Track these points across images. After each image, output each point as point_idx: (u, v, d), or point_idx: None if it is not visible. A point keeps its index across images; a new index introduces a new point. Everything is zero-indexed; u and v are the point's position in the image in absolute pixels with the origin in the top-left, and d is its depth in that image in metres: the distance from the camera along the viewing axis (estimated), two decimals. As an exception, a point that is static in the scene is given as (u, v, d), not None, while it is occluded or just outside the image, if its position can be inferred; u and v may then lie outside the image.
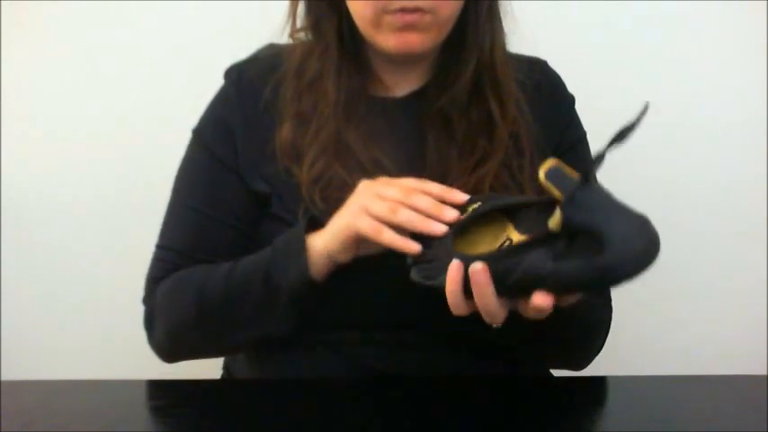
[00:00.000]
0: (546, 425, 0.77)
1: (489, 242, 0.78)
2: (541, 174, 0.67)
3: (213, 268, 0.89)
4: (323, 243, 0.82)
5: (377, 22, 0.85)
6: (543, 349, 0.92)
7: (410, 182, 0.80)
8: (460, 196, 0.79)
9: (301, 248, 0.82)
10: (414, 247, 0.76)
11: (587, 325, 0.92)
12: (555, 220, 0.66)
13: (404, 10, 0.83)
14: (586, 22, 1.36)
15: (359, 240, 0.80)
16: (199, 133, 0.96)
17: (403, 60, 0.91)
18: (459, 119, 0.90)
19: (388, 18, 0.84)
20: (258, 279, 0.84)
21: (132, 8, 1.37)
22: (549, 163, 0.67)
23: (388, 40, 0.85)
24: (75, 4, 1.38)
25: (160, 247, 0.95)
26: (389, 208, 0.77)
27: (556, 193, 0.66)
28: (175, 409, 0.84)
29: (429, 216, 0.77)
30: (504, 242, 0.76)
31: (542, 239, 0.67)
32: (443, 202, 0.78)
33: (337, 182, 0.87)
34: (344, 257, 0.82)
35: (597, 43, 1.37)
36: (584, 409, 0.82)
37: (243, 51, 0.98)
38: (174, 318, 0.91)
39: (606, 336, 0.96)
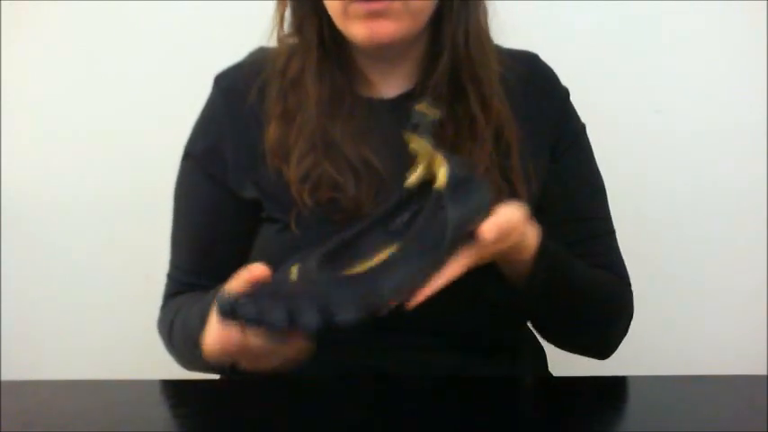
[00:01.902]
0: (545, 425, 0.77)
1: None
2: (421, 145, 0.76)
3: (193, 301, 0.89)
4: None
5: (345, 12, 0.84)
6: (562, 324, 0.92)
7: None
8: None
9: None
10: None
11: (601, 295, 0.92)
12: (441, 179, 0.73)
13: None
14: (584, 22, 1.36)
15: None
16: (189, 149, 0.96)
17: (377, 53, 0.90)
18: (445, 118, 0.87)
19: (355, 6, 0.83)
20: (190, 340, 0.85)
21: (132, 8, 1.37)
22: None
23: (358, 31, 0.84)
24: (75, 4, 1.38)
25: (170, 263, 0.98)
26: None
27: (439, 158, 0.75)
28: (176, 408, 0.84)
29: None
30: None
31: (432, 203, 0.73)
32: None
33: (327, 180, 0.86)
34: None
35: (595, 44, 1.36)
36: (584, 410, 0.82)
37: (242, 51, 0.98)
38: (167, 347, 0.96)
39: (629, 320, 0.96)
